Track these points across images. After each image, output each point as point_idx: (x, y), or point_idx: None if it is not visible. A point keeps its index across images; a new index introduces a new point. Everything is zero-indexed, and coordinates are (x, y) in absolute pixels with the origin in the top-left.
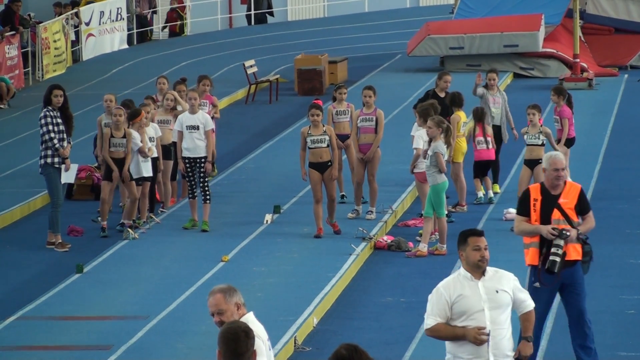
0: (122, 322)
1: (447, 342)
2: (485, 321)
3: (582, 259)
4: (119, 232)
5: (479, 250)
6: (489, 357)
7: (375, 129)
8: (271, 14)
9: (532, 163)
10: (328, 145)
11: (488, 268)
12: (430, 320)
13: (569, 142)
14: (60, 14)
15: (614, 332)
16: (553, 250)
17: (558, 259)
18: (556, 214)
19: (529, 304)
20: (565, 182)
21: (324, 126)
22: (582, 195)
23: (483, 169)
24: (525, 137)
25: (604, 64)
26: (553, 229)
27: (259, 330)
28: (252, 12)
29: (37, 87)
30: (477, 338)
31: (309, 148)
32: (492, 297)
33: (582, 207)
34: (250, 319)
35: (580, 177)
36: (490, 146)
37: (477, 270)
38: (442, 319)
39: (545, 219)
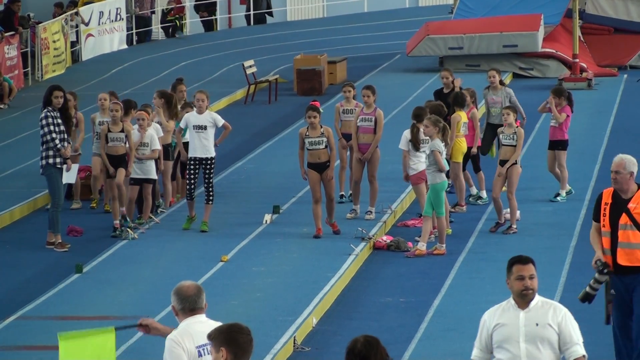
0: (121, 322)
1: None
2: (520, 355)
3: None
4: (112, 237)
5: (522, 279)
6: None
7: (374, 129)
8: (270, 14)
9: (502, 162)
10: (326, 147)
11: (538, 298)
12: (475, 351)
13: (563, 145)
14: (60, 15)
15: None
16: (591, 282)
17: (593, 293)
18: (624, 218)
19: (576, 350)
20: (639, 187)
21: (321, 127)
22: None
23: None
24: (500, 136)
25: (604, 64)
26: (597, 261)
27: (184, 335)
28: (252, 12)
29: (37, 88)
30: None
31: (307, 149)
32: (531, 330)
33: None
34: (188, 324)
35: (579, 177)
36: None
37: (522, 300)
38: (482, 349)
39: (613, 223)
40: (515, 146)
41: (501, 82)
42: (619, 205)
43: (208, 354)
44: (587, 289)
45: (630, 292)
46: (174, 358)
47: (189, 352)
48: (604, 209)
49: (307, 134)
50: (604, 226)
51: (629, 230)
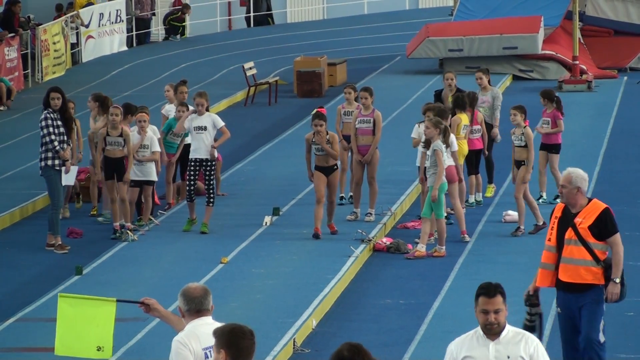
0: (121, 324)
1: None
2: None
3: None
4: (112, 239)
5: (486, 314)
6: None
7: (373, 130)
8: (271, 16)
9: (517, 163)
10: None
11: (508, 327)
12: None
13: (557, 148)
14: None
15: (613, 334)
16: (526, 317)
17: (531, 324)
18: (569, 233)
19: None
20: (590, 201)
21: (327, 133)
22: (602, 217)
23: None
24: (512, 137)
25: (603, 66)
26: (527, 294)
27: (191, 337)
28: (252, 14)
29: (37, 89)
30: None
31: (315, 153)
32: None
33: (600, 229)
34: (194, 326)
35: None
36: (476, 135)
37: (488, 333)
38: None
39: (560, 237)
40: (524, 146)
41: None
42: (567, 219)
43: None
44: (525, 322)
45: (575, 311)
46: (181, 358)
47: (196, 354)
48: (553, 223)
49: (313, 140)
50: (549, 240)
51: (572, 245)
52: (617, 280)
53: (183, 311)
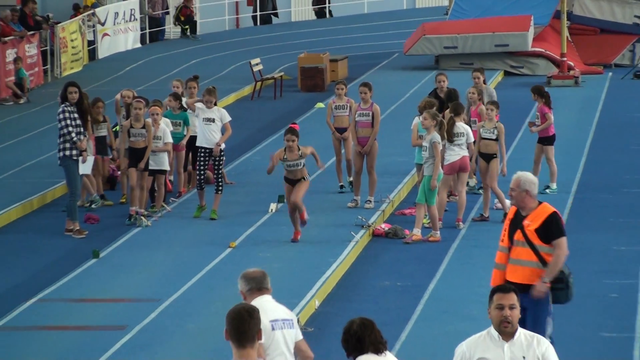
0: (135, 304)
1: None
2: None
3: (554, 285)
4: (127, 224)
5: (501, 309)
6: None
7: (371, 123)
8: (276, 15)
9: (486, 157)
10: (304, 166)
11: (520, 330)
12: None
13: (551, 140)
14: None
15: (597, 314)
16: None
17: None
18: (518, 234)
19: None
20: (539, 204)
21: (299, 148)
22: (549, 220)
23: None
24: (480, 130)
25: (590, 62)
26: None
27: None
28: (258, 13)
29: (56, 84)
30: None
31: (285, 169)
32: None
33: (547, 232)
34: (258, 302)
35: (566, 170)
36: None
37: (502, 333)
38: None
39: (510, 238)
40: (495, 140)
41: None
42: (517, 221)
43: (280, 328)
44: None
45: (522, 311)
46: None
47: (264, 326)
48: (506, 225)
49: (284, 157)
50: (502, 241)
51: (520, 247)
52: (546, 281)
53: (244, 292)
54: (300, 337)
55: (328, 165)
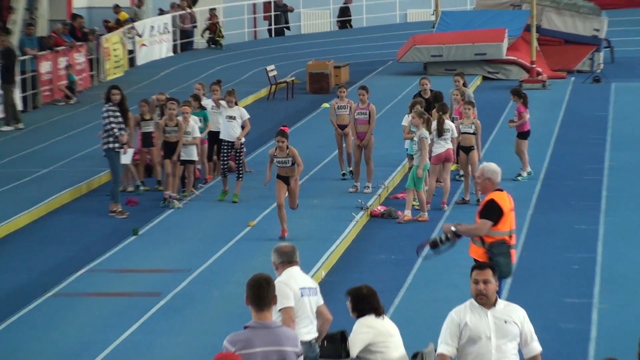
0: (169, 275)
1: None
2: (491, 349)
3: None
4: (162, 207)
5: (476, 283)
6: None
7: (368, 120)
8: (288, 28)
9: (465, 149)
10: (293, 164)
11: (500, 300)
12: (441, 347)
13: (526, 135)
14: (117, 29)
15: (561, 283)
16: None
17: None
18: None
19: (536, 347)
20: (497, 191)
21: (287, 148)
22: (485, 203)
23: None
24: (460, 126)
25: (555, 68)
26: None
27: (289, 280)
28: (273, 26)
29: (100, 87)
30: None
31: (277, 165)
32: (500, 327)
33: (480, 213)
34: (288, 272)
35: (535, 160)
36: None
37: (480, 303)
38: (449, 344)
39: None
40: (474, 134)
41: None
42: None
43: (307, 295)
44: (437, 237)
45: None
46: (284, 295)
47: (294, 292)
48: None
49: (275, 154)
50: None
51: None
52: (453, 228)
53: (277, 264)
54: (322, 302)
55: (331, 157)
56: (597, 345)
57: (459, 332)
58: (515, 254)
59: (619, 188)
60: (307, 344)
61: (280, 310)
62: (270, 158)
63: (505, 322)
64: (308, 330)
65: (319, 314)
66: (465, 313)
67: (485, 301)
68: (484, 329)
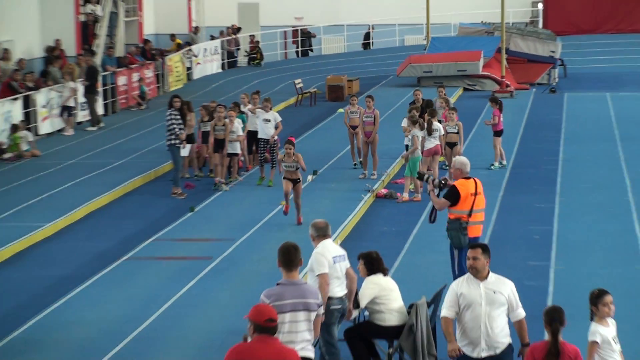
0: (219, 243)
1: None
2: (482, 314)
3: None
4: (213, 190)
5: (468, 259)
6: (481, 343)
7: (374, 122)
8: (311, 50)
9: (450, 145)
10: (297, 168)
11: (494, 275)
12: (444, 311)
13: (500, 133)
14: (178, 50)
15: (525, 249)
16: (431, 178)
17: (425, 176)
18: None
19: (520, 313)
20: (465, 179)
21: (294, 155)
22: (449, 188)
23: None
24: (446, 127)
25: (520, 81)
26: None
27: (324, 250)
28: (299, 49)
29: (165, 96)
30: (449, 353)
31: (284, 169)
32: (490, 296)
33: (444, 194)
34: (323, 244)
35: (505, 153)
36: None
37: (472, 275)
38: (452, 309)
39: None
40: (457, 133)
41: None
42: None
43: (338, 261)
44: (426, 175)
45: None
46: (320, 263)
47: (328, 260)
48: None
49: (283, 159)
50: None
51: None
52: (436, 182)
53: (314, 237)
54: (349, 265)
55: (344, 151)
56: (553, 298)
57: (457, 300)
58: (479, 229)
59: (570, 175)
60: (339, 299)
61: (317, 275)
62: (279, 162)
63: (494, 292)
64: (340, 289)
65: (347, 275)
66: (462, 284)
67: (476, 274)
68: (476, 298)
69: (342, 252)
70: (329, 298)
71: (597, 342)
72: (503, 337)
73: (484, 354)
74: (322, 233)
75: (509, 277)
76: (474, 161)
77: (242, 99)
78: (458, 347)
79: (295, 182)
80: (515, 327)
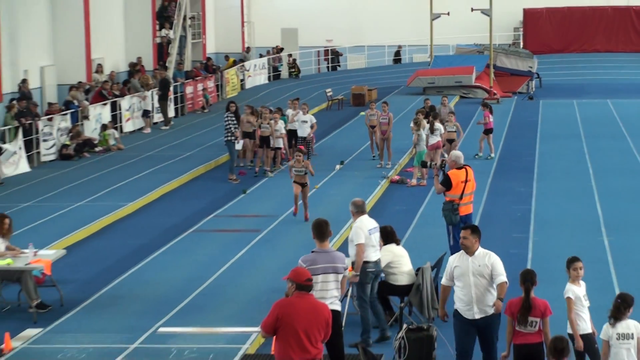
0: (265, 218)
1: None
2: (470, 283)
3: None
4: (254, 177)
5: (461, 238)
6: (474, 307)
7: (388, 122)
8: (339, 65)
9: (449, 141)
10: (306, 173)
11: (481, 250)
12: (443, 280)
13: (490, 131)
14: (232, 67)
15: (509, 224)
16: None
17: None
18: None
19: (500, 279)
20: (456, 169)
21: (303, 161)
22: (445, 176)
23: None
24: (446, 126)
25: (505, 91)
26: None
27: (362, 224)
28: (329, 64)
29: (223, 102)
30: (440, 317)
31: (294, 174)
32: (477, 268)
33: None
34: (360, 219)
35: (494, 148)
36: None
37: (465, 252)
38: (448, 278)
39: None
40: (455, 132)
41: (443, 103)
42: None
43: (373, 233)
44: (429, 163)
45: None
46: (358, 235)
47: (365, 233)
48: None
49: (293, 165)
50: None
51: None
52: (439, 166)
53: (353, 212)
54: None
55: (365, 146)
56: (531, 263)
57: (452, 271)
58: (470, 207)
59: (545, 165)
60: (374, 262)
61: (355, 245)
62: (290, 168)
63: (479, 265)
64: (375, 255)
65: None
66: (456, 259)
67: (467, 250)
68: (466, 270)
69: (375, 224)
70: (365, 262)
71: (571, 298)
72: (491, 302)
73: (477, 316)
74: (360, 210)
75: (496, 246)
76: (468, 153)
77: (288, 104)
78: (445, 313)
79: (303, 185)
80: (497, 288)
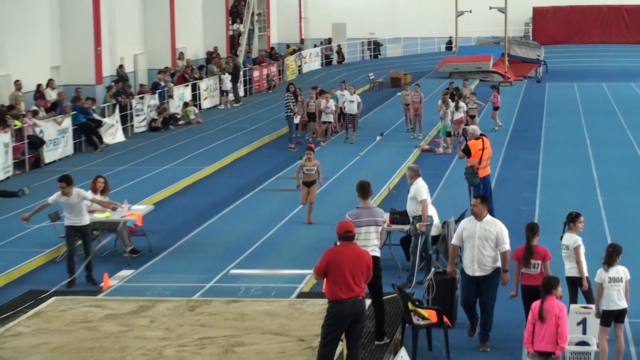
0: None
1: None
2: (476, 245)
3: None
4: (316, 144)
5: (472, 206)
6: (474, 265)
7: (420, 101)
8: (379, 53)
9: (471, 117)
10: (316, 172)
11: (489, 217)
12: (453, 240)
13: (497, 108)
14: (292, 54)
15: (520, 186)
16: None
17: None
18: None
19: (504, 247)
20: (474, 139)
21: (313, 160)
22: (464, 145)
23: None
24: (467, 104)
25: (517, 75)
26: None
27: (423, 184)
28: (372, 53)
29: (283, 84)
30: (448, 273)
31: (303, 173)
32: (482, 233)
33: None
34: (420, 180)
35: (508, 123)
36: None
37: (475, 216)
38: (457, 239)
39: None
40: (476, 108)
41: (465, 85)
42: None
43: (428, 192)
44: (453, 132)
45: None
46: (420, 193)
47: (426, 190)
48: None
49: (304, 164)
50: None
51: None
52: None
53: (411, 176)
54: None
55: (401, 121)
56: (538, 219)
57: (461, 233)
58: (488, 171)
59: (550, 137)
60: (430, 217)
61: (420, 201)
62: (299, 167)
63: (485, 230)
64: (432, 210)
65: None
66: (466, 222)
67: (476, 216)
68: (473, 233)
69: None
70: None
71: (581, 245)
72: (491, 263)
73: (476, 273)
74: (417, 173)
75: (509, 204)
76: (485, 128)
77: (340, 85)
78: (454, 269)
79: (311, 183)
80: (500, 257)
